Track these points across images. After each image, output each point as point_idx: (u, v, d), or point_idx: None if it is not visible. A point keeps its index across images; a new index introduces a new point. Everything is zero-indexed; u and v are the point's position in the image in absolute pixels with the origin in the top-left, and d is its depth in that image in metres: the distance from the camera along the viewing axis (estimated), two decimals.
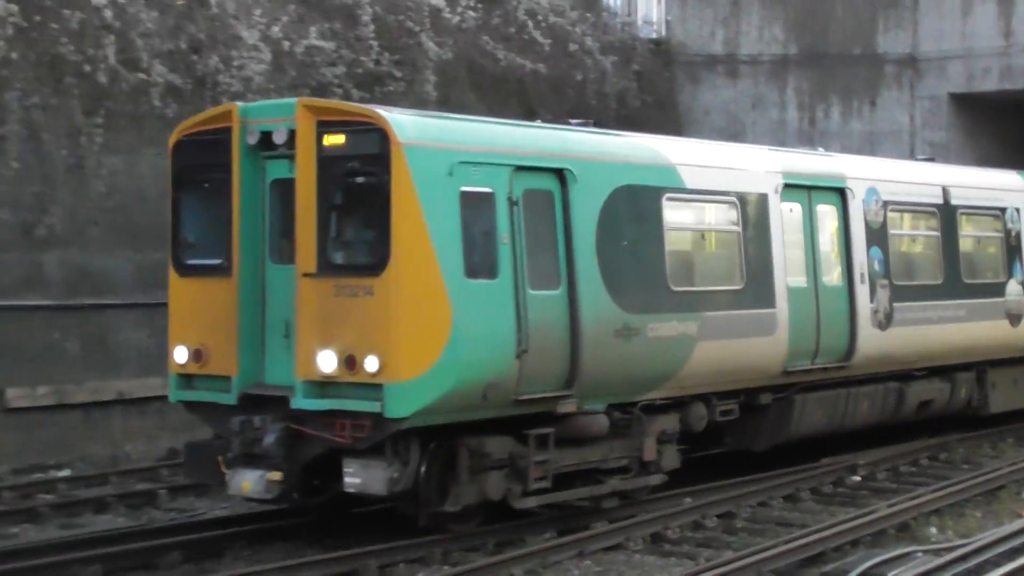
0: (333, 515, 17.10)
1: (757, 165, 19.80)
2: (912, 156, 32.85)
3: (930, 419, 23.77)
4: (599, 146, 17.45)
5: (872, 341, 21.26)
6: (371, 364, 14.83)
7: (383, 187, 14.90)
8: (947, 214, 23.54)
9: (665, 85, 37.28)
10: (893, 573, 14.46)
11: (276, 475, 15.25)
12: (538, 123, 18.56)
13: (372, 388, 14.87)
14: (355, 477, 15.22)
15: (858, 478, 21.37)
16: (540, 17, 34.05)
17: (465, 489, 15.76)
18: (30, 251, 22.61)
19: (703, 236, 19.20)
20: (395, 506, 16.26)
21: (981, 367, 24.50)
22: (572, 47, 34.67)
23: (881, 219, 21.81)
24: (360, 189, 15.21)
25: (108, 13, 24.06)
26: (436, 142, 15.30)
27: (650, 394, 17.82)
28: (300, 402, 15.24)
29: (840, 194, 21.16)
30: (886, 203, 21.97)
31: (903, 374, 22.57)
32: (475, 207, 15.51)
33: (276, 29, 26.96)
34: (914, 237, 23.40)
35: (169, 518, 18.20)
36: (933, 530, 17.64)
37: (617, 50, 36.19)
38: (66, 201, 22.98)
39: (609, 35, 36.69)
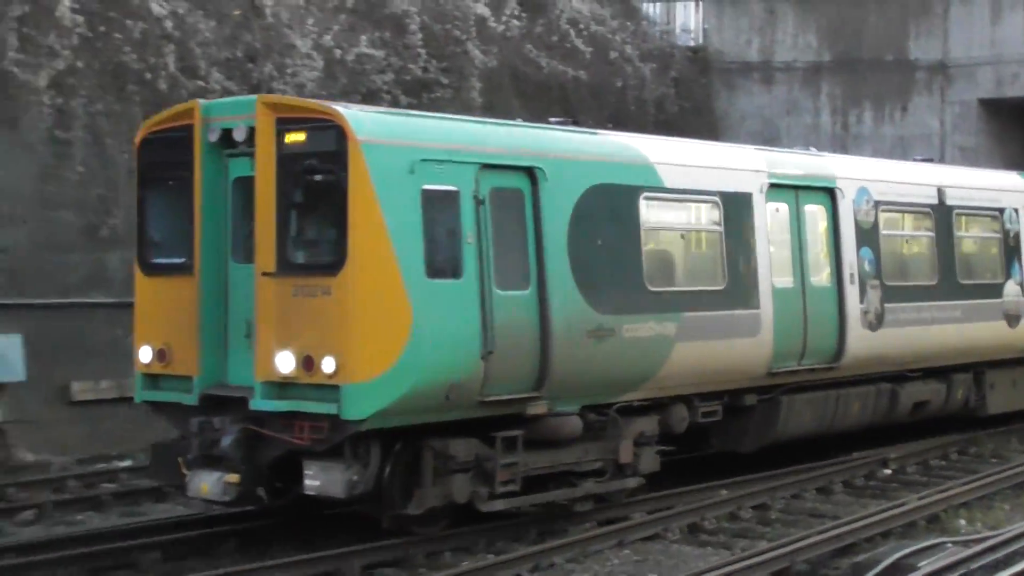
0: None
1: (741, 164, 18.87)
2: (942, 160, 32.97)
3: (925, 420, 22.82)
4: (571, 144, 16.54)
5: (862, 342, 20.29)
6: (328, 365, 14.04)
7: (340, 185, 14.08)
8: (942, 214, 22.51)
9: (702, 91, 37.65)
10: (923, 563, 14.20)
11: (233, 477, 14.50)
12: (509, 121, 17.59)
13: (329, 389, 14.08)
14: (315, 479, 14.45)
15: (889, 471, 21.24)
16: (582, 26, 34.47)
17: (429, 492, 14.95)
18: (94, 251, 22.95)
19: (683, 236, 18.23)
20: (357, 509, 15.40)
21: (979, 368, 23.48)
22: (612, 55, 35.04)
23: (872, 219, 20.83)
24: (318, 187, 14.40)
25: (168, 23, 24.55)
26: (396, 139, 14.45)
27: (626, 396, 16.93)
28: (259, 403, 14.46)
29: (829, 194, 20.19)
30: (878, 203, 20.99)
31: (897, 375, 21.57)
32: (438, 206, 14.65)
33: (328, 38, 27.32)
34: (907, 237, 22.31)
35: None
36: (962, 522, 17.61)
37: (656, 57, 36.69)
38: (128, 203, 22.81)
39: (648, 43, 37.11)
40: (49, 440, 17.59)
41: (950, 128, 36.05)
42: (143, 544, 15.23)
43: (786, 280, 19.19)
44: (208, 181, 15.14)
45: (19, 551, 15.06)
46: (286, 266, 14.45)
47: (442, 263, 14.65)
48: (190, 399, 15.10)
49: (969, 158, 34.73)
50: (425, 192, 14.51)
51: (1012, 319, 23.77)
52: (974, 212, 23.51)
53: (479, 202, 15.03)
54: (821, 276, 19.94)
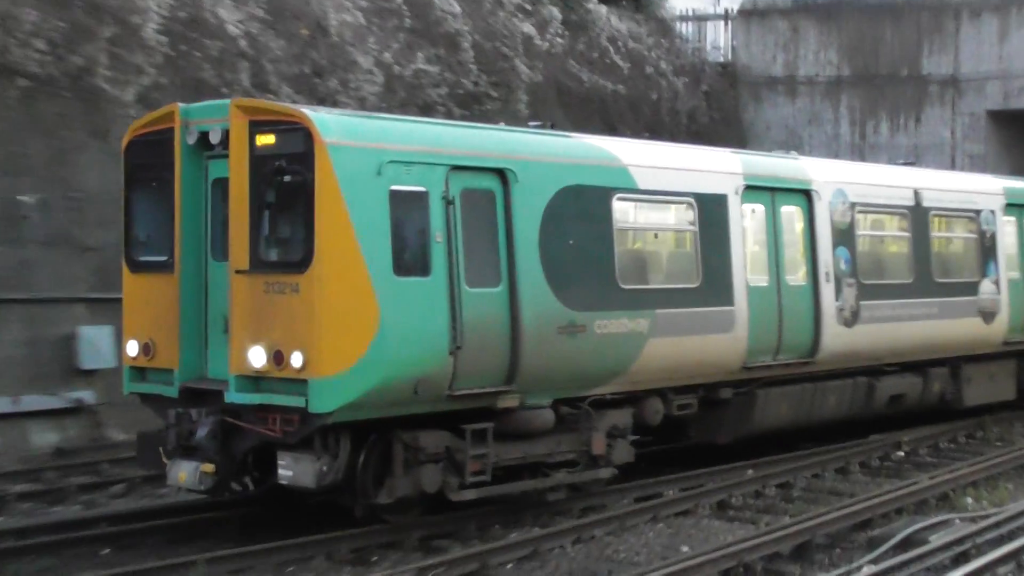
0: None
1: (716, 167, 18.53)
2: (952, 167, 34.48)
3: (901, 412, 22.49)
4: (543, 147, 16.24)
5: (837, 338, 19.95)
6: (296, 360, 13.85)
7: (307, 186, 13.86)
8: (919, 215, 22.11)
9: (731, 103, 38.96)
10: (933, 537, 14.83)
11: (208, 467, 14.37)
12: (480, 124, 17.31)
13: (298, 383, 13.88)
14: (287, 470, 14.27)
15: (902, 453, 21.72)
16: (620, 43, 35.99)
17: (399, 482, 14.75)
18: None
19: (656, 236, 17.96)
20: (329, 498, 15.17)
21: (955, 362, 23.09)
22: (648, 70, 36.52)
23: (849, 220, 20.47)
24: (288, 188, 14.11)
25: (243, 42, 25.44)
26: (363, 141, 14.19)
27: (598, 389, 16.64)
28: (233, 396, 14.31)
29: (806, 196, 19.85)
30: (854, 204, 20.62)
31: (875, 369, 21.21)
32: (406, 206, 14.39)
33: (388, 55, 28.38)
34: (883, 238, 21.94)
35: None
36: (969, 500, 18.08)
37: (688, 72, 38.16)
38: None
39: (681, 59, 38.57)
40: (137, 421, 17.76)
41: (960, 137, 36.93)
42: (217, 517, 15.85)
43: (762, 278, 18.89)
44: (188, 182, 14.99)
45: (111, 520, 15.91)
46: (258, 264, 14.25)
47: (410, 261, 14.41)
48: (171, 391, 14.98)
49: (978, 165, 35.72)
50: (393, 193, 14.26)
51: (988, 316, 23.37)
52: (951, 213, 23.11)
53: (449, 202, 14.77)
54: (797, 275, 19.61)
